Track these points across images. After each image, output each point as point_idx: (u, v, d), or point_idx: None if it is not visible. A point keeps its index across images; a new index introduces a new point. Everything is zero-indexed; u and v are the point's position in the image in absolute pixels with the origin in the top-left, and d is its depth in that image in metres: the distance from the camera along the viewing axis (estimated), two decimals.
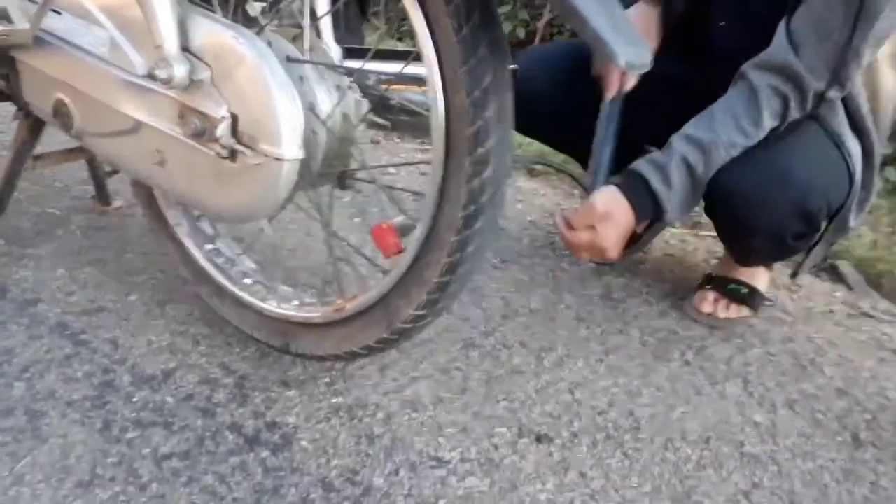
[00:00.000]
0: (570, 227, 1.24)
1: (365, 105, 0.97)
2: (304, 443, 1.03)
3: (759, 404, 1.22)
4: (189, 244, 1.19)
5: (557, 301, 1.44)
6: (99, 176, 1.45)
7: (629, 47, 0.71)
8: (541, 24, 3.56)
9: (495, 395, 1.16)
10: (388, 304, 0.99)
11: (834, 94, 1.17)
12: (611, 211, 1.21)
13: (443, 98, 0.82)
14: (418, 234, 0.92)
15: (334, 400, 1.11)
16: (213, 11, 0.93)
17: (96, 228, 1.45)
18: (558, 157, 1.77)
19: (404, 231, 0.99)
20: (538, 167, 2.06)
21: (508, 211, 1.78)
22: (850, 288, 1.66)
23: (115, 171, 1.48)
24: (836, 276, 1.70)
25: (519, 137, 1.88)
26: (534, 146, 2.10)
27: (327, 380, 1.15)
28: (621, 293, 1.48)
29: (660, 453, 1.09)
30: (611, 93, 1.34)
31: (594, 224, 1.22)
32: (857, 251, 1.75)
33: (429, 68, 0.81)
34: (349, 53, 1.04)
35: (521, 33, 3.54)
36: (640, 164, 1.23)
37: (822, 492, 1.06)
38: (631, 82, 1.31)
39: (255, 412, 1.07)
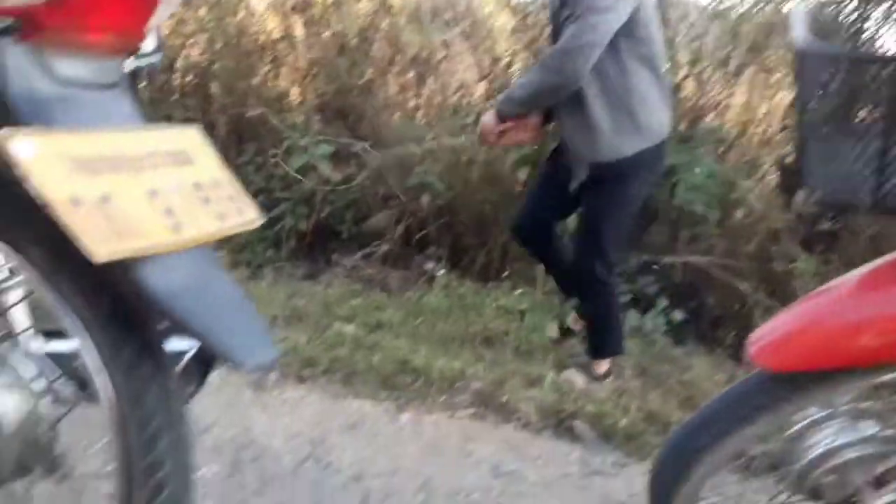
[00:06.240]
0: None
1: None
2: None
3: None
4: None
5: None
6: None
7: (253, 347, 0.73)
8: (320, 215, 3.78)
9: None
10: None
11: None
12: None
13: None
14: None
15: None
16: None
17: None
18: None
19: None
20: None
21: (272, 427, 1.83)
22: (584, 446, 1.86)
23: None
24: (573, 435, 1.91)
25: None
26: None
27: None
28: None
29: None
30: None
31: None
32: (589, 408, 1.98)
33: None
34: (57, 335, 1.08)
35: (303, 225, 3.73)
36: None
37: None
38: None
39: None
